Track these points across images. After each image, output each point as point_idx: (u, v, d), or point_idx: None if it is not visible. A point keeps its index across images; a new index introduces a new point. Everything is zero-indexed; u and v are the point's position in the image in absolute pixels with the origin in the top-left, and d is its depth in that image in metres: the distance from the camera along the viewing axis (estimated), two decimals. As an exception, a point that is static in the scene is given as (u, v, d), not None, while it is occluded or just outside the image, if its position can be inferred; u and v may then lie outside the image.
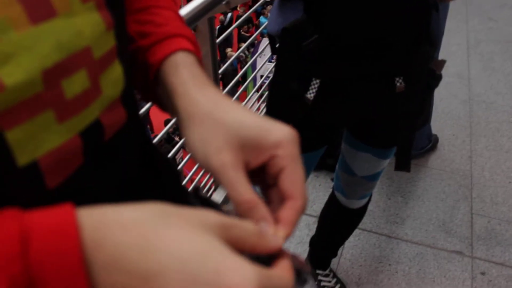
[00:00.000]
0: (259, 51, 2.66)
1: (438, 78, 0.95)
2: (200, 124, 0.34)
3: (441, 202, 2.02)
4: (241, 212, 0.32)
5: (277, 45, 1.04)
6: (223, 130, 0.33)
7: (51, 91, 0.29)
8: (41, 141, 0.30)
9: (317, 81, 0.91)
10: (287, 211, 0.32)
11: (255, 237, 0.28)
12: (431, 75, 0.93)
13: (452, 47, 3.31)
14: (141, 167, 0.44)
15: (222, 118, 0.34)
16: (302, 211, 0.33)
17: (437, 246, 1.81)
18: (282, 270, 0.28)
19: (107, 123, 0.36)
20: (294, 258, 0.31)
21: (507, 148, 2.35)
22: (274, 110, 1.02)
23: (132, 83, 0.47)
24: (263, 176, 0.35)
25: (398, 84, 0.91)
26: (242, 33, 8.77)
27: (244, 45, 1.94)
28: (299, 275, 0.31)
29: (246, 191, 0.32)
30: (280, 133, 0.33)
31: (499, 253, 1.78)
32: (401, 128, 0.96)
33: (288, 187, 0.33)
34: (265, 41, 2.90)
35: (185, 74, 0.38)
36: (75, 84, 0.31)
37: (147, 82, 0.42)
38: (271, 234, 0.30)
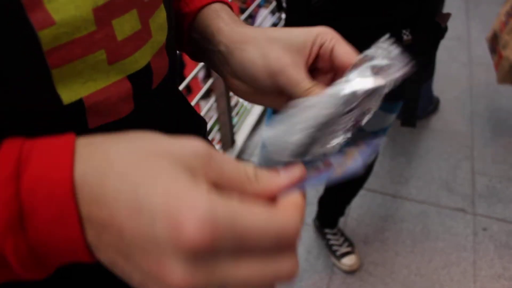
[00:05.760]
0: (257, 22, 2.64)
1: (444, 30, 0.96)
2: (254, 43, 0.37)
3: (443, 162, 2.06)
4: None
5: (283, 3, 1.04)
6: (277, 43, 0.36)
7: (103, 31, 0.29)
8: (89, 80, 0.30)
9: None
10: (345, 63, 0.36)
11: (240, 174, 0.24)
12: (436, 28, 0.95)
13: (451, 10, 3.29)
14: (179, 120, 0.45)
15: (272, 34, 0.37)
16: None
17: (440, 204, 1.86)
18: (254, 208, 0.21)
19: (156, 69, 0.36)
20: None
21: (507, 109, 2.38)
22: None
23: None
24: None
25: (405, 36, 0.93)
26: (240, 4, 8.65)
27: (242, 17, 1.93)
28: None
29: (306, 82, 0.36)
30: (319, 27, 0.37)
31: (500, 210, 1.83)
32: (408, 80, 0.98)
33: (342, 57, 0.36)
34: (263, 12, 2.88)
35: (227, 17, 0.41)
36: (126, 24, 0.31)
37: (179, 30, 0.44)
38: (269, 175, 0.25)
